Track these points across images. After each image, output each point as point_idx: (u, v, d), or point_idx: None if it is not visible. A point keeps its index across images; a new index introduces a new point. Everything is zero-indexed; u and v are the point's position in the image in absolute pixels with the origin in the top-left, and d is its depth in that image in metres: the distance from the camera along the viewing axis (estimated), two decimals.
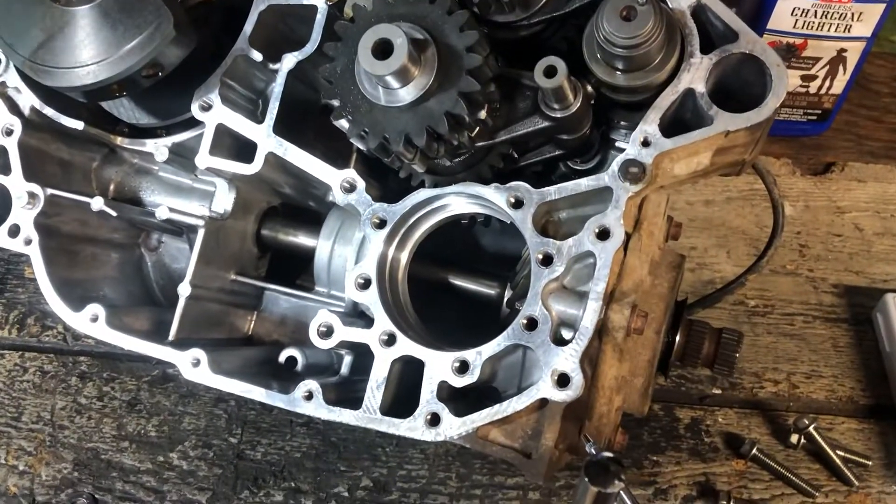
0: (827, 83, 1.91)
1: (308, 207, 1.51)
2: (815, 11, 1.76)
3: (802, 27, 1.79)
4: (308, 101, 1.39)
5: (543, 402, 1.11)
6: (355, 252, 1.32)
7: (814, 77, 1.90)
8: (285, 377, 1.31)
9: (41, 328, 1.65)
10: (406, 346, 1.15)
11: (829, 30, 1.79)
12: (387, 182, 1.33)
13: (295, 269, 1.53)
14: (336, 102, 1.09)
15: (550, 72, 1.03)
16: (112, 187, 1.53)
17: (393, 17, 1.06)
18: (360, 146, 1.14)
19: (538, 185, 1.16)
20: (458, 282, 1.38)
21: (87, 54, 1.23)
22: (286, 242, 1.47)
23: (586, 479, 0.81)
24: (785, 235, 1.50)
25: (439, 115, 1.03)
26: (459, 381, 1.11)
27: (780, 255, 1.76)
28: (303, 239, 1.45)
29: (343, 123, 1.10)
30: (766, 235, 1.70)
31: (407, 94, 1.03)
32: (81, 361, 1.61)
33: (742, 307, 1.70)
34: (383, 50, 1.01)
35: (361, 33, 1.05)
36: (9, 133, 1.40)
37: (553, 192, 1.14)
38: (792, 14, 1.77)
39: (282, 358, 1.33)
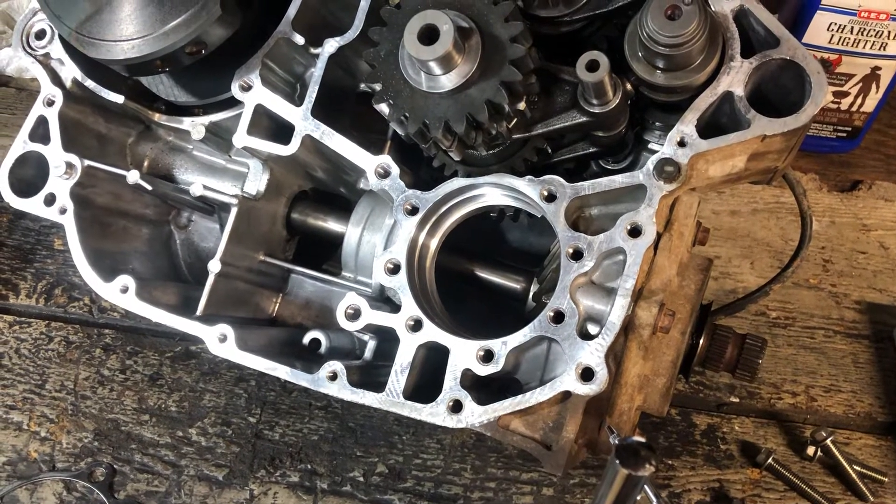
0: (859, 101, 1.91)
1: (338, 193, 1.52)
2: (852, 27, 1.75)
3: (838, 43, 1.79)
4: (346, 87, 1.41)
5: (566, 395, 1.11)
6: (384, 239, 1.34)
7: (846, 94, 1.90)
8: (308, 359, 1.32)
9: (68, 299, 1.67)
10: (432, 332, 1.16)
11: (864, 47, 1.79)
12: (419, 172, 1.34)
13: (322, 253, 1.54)
14: (378, 86, 1.10)
15: (593, 66, 1.04)
16: (146, 163, 1.55)
17: (439, 4, 1.07)
18: (399, 131, 1.15)
19: (570, 181, 1.17)
20: (484, 274, 1.39)
21: (133, 28, 1.25)
22: (315, 227, 1.48)
23: (617, 462, 0.81)
24: (809, 250, 1.49)
25: (480, 102, 1.05)
26: (484, 370, 1.12)
27: (804, 268, 1.76)
28: (332, 224, 1.46)
29: (383, 108, 1.11)
30: (790, 249, 1.70)
31: (449, 81, 1.05)
32: (106, 334, 1.63)
33: (763, 318, 1.70)
34: (429, 36, 1.02)
35: (407, 19, 1.06)
36: (50, 104, 1.43)
37: (587, 187, 1.15)
38: (828, 29, 1.77)
39: (306, 340, 1.34)
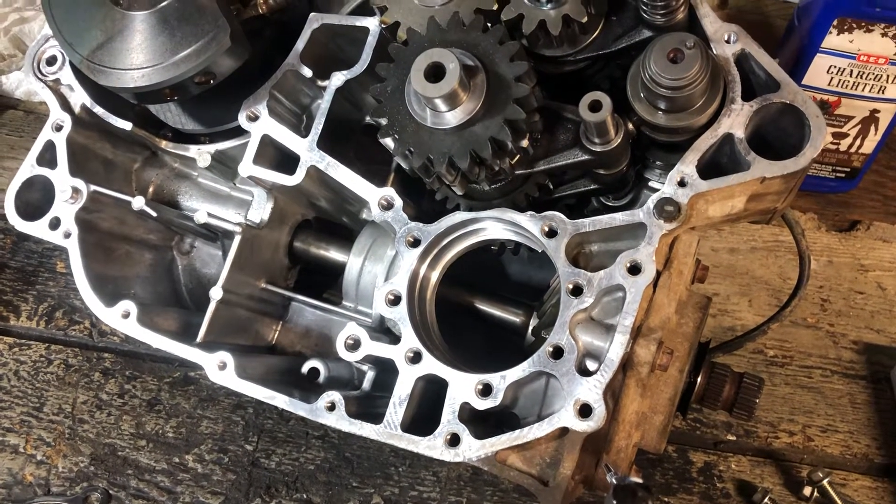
0: (858, 142, 1.93)
1: (341, 223, 1.53)
2: (851, 71, 1.78)
3: (837, 85, 1.81)
4: (351, 119, 1.43)
5: (564, 431, 1.12)
6: (385, 270, 1.35)
7: (845, 135, 1.92)
8: (307, 388, 1.32)
9: (68, 322, 1.68)
10: (431, 365, 1.16)
11: (863, 90, 1.81)
12: (421, 203, 1.36)
13: (323, 282, 1.55)
14: (384, 121, 1.11)
15: (595, 106, 1.06)
16: (151, 189, 1.56)
17: (446, 42, 1.09)
18: (404, 165, 1.17)
19: (571, 217, 1.19)
20: (484, 307, 1.40)
21: (143, 57, 1.27)
22: (317, 256, 1.49)
23: (614, 502, 0.81)
24: (807, 289, 1.50)
25: (484, 139, 1.06)
26: (482, 404, 1.13)
27: (802, 307, 1.77)
28: (334, 253, 1.47)
29: (389, 142, 1.12)
30: (788, 287, 1.71)
31: (454, 118, 1.06)
32: (105, 358, 1.63)
33: (761, 356, 1.70)
34: (435, 73, 1.04)
35: (413, 56, 1.08)
36: (58, 129, 1.44)
37: (587, 224, 1.16)
38: (828, 71, 1.79)
39: (305, 369, 1.35)
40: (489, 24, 1.13)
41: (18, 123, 2.01)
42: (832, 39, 1.73)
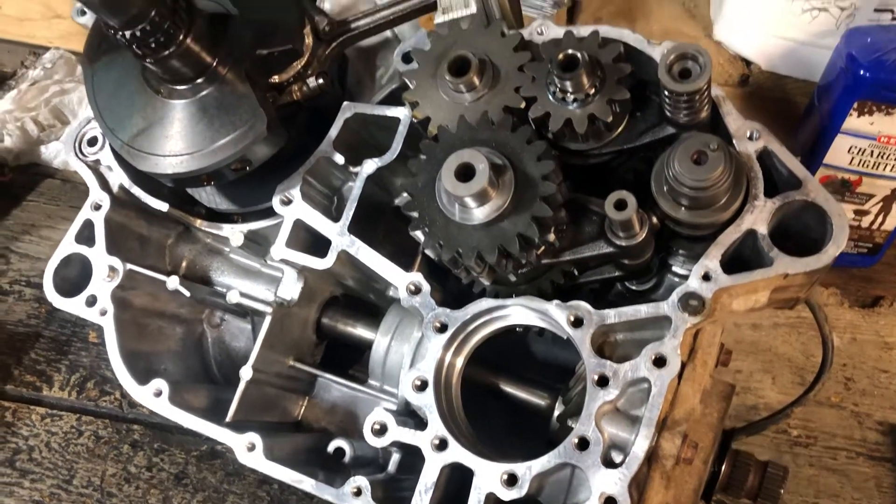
0: (880, 219, 1.95)
1: (367, 300, 1.56)
2: (872, 151, 1.80)
3: (858, 165, 1.84)
4: (381, 202, 1.46)
5: None
6: (412, 350, 1.37)
7: (866, 212, 1.93)
8: (332, 467, 1.34)
9: (99, 393, 1.71)
10: (457, 453, 1.18)
11: (884, 169, 1.83)
12: (447, 284, 1.38)
13: (349, 356, 1.57)
14: (415, 214, 1.15)
15: (621, 205, 1.09)
16: (184, 264, 1.60)
17: (475, 141, 1.13)
18: (433, 256, 1.20)
19: (595, 301, 1.21)
20: (509, 389, 1.41)
21: (182, 145, 1.32)
22: (345, 333, 1.52)
23: None
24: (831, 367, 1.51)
25: (511, 235, 1.09)
26: (507, 494, 1.14)
27: (826, 386, 1.77)
28: (361, 331, 1.50)
29: (419, 235, 1.16)
30: (811, 364, 1.71)
31: (482, 214, 1.09)
32: (135, 430, 1.66)
33: (785, 436, 1.70)
34: (465, 172, 1.07)
35: (444, 153, 1.12)
36: (97, 208, 1.49)
37: (613, 315, 1.18)
38: (849, 151, 1.82)
39: (331, 448, 1.36)
40: (517, 121, 1.16)
41: (55, 192, 2.07)
42: (853, 121, 1.76)
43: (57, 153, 2.14)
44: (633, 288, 1.37)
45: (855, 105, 1.73)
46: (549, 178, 1.09)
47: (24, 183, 2.08)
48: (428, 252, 1.18)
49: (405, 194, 1.41)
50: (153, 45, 1.22)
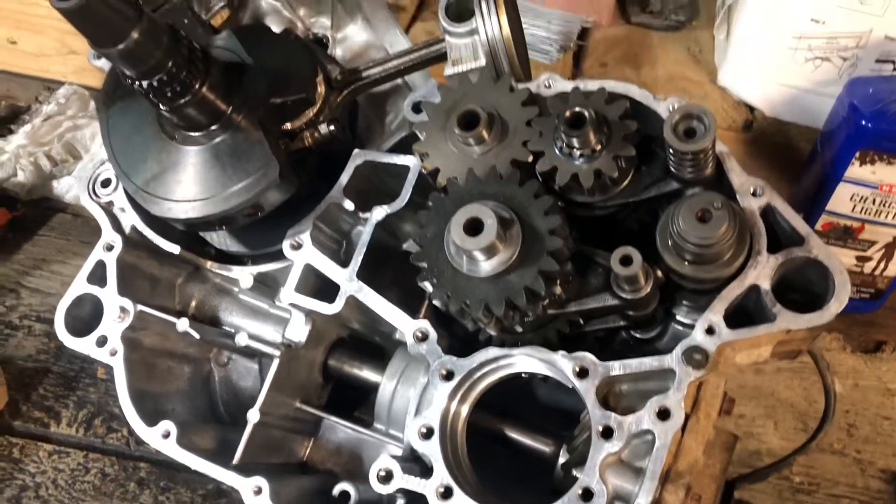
0: (882, 265, 1.96)
1: (373, 342, 1.58)
2: (874, 199, 1.83)
3: (860, 212, 1.86)
4: (389, 247, 1.48)
5: None
6: (418, 396, 1.38)
7: (869, 258, 1.95)
8: None
9: (106, 430, 1.72)
10: (462, 501, 1.19)
11: (886, 217, 1.85)
12: (452, 329, 1.40)
13: (354, 398, 1.58)
14: (424, 265, 1.17)
15: (626, 261, 1.11)
16: (194, 304, 1.62)
17: (483, 194, 1.16)
18: (440, 306, 1.21)
19: (600, 349, 1.22)
20: (513, 435, 1.42)
21: (195, 190, 1.35)
22: (351, 375, 1.53)
23: None
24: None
25: (518, 288, 1.11)
26: None
27: (828, 433, 1.77)
28: (367, 373, 1.51)
29: (427, 285, 1.18)
30: (813, 410, 1.72)
31: (490, 267, 1.11)
32: (141, 468, 1.67)
33: (787, 482, 1.70)
34: (474, 227, 1.10)
35: (453, 206, 1.14)
36: (109, 248, 1.51)
37: (617, 367, 1.19)
38: (850, 199, 1.84)
39: (336, 491, 1.37)
40: (524, 175, 1.19)
41: (66, 227, 2.10)
42: (855, 170, 1.79)
43: (69, 188, 2.16)
44: (638, 336, 1.39)
45: (857, 154, 1.76)
46: (555, 233, 1.12)
47: (35, 217, 2.11)
48: (436, 302, 1.20)
49: (414, 245, 1.44)
50: (169, 95, 1.25)
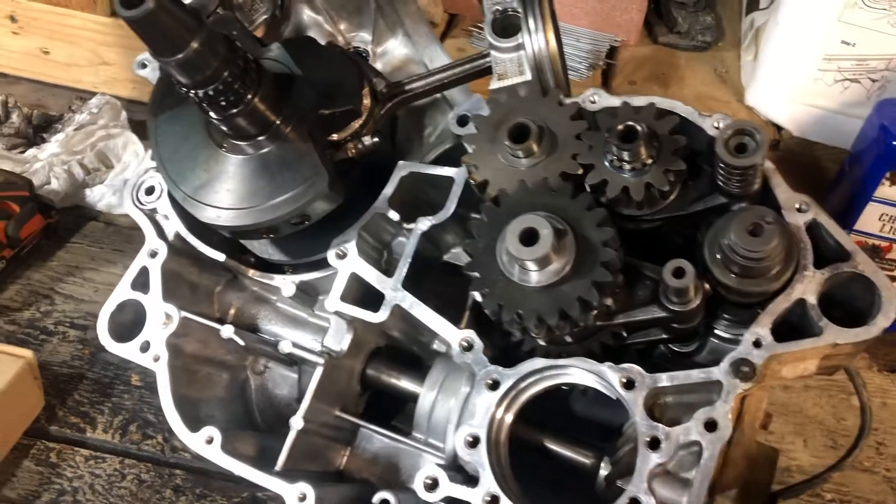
0: None
1: (410, 351, 1.59)
2: None
3: (889, 231, 1.88)
4: (430, 257, 1.50)
5: None
6: (459, 406, 1.39)
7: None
8: None
9: (142, 436, 1.73)
10: None
11: None
12: (492, 337, 1.41)
13: (389, 406, 1.59)
14: (476, 274, 1.18)
15: (679, 273, 1.13)
16: (232, 311, 1.63)
17: (535, 205, 1.17)
18: (491, 316, 1.23)
19: (640, 361, 1.24)
20: (553, 446, 1.43)
21: (243, 198, 1.36)
22: (388, 384, 1.54)
23: None
24: None
25: (572, 299, 1.13)
26: None
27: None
28: (405, 383, 1.52)
29: (478, 295, 1.19)
30: (843, 428, 1.73)
31: (543, 277, 1.13)
32: (177, 475, 1.68)
33: (818, 499, 1.71)
34: (529, 237, 1.11)
35: (504, 217, 1.16)
36: (153, 255, 1.52)
37: (665, 378, 1.21)
38: (879, 219, 1.86)
39: (376, 500, 1.37)
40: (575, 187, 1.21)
41: (99, 235, 2.11)
42: (884, 190, 1.81)
43: (101, 196, 2.18)
44: (677, 349, 1.40)
45: (887, 175, 1.78)
46: (608, 245, 1.13)
47: (68, 224, 2.13)
48: (487, 312, 1.22)
49: (459, 254, 1.46)
50: (223, 104, 1.27)
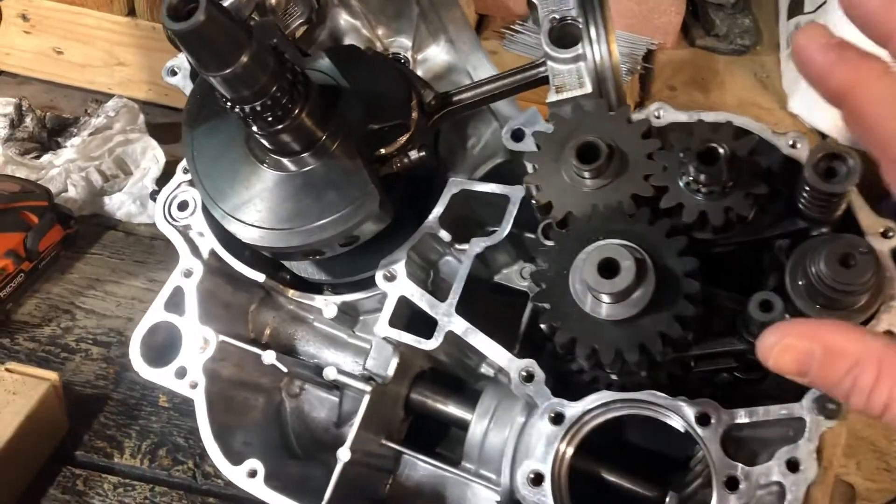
0: None
1: (455, 375, 1.52)
2: None
3: None
4: (480, 279, 1.43)
5: None
6: (515, 437, 1.32)
7: None
8: None
9: (172, 462, 1.66)
10: None
11: None
12: (540, 360, 1.34)
13: (430, 432, 1.53)
14: (546, 306, 1.11)
15: (767, 306, 1.06)
16: (268, 332, 1.56)
17: (609, 231, 1.10)
18: (559, 349, 1.16)
19: (703, 386, 1.17)
20: (612, 478, 1.37)
21: (288, 218, 1.29)
22: (434, 409, 1.47)
23: None
24: None
25: (653, 334, 1.06)
26: None
27: None
28: (452, 409, 1.45)
29: (546, 327, 1.12)
30: (894, 449, 1.67)
31: (623, 310, 1.06)
32: (209, 502, 1.61)
33: None
34: (607, 268, 1.04)
35: (576, 244, 1.09)
36: (188, 275, 1.44)
37: (743, 414, 1.14)
38: None
39: None
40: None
41: (119, 245, 2.04)
42: None
43: (120, 205, 2.10)
44: (741, 377, 1.33)
45: None
46: (692, 276, 1.07)
47: (86, 234, 2.05)
48: (558, 346, 1.14)
49: (518, 277, 1.39)
50: (269, 119, 1.19)
